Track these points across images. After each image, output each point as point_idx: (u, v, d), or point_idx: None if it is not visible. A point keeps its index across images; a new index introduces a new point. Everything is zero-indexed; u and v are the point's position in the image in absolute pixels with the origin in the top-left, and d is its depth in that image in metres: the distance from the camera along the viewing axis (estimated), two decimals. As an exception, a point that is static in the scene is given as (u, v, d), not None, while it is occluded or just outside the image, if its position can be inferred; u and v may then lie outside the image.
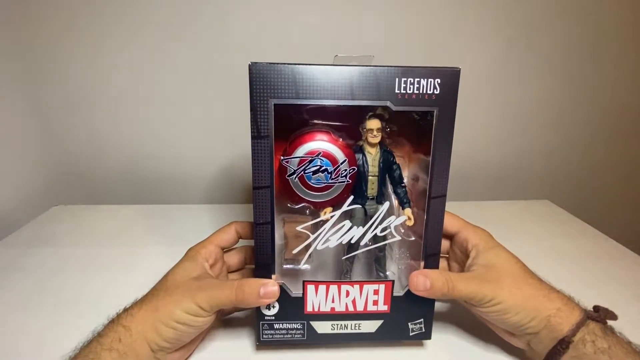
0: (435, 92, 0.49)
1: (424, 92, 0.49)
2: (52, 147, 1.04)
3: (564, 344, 0.49)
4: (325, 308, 0.56)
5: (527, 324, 0.51)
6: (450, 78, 0.49)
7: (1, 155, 0.93)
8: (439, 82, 0.49)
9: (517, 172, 1.19)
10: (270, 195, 0.51)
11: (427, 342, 0.62)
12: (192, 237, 0.57)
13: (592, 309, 0.51)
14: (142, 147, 1.06)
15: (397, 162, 0.56)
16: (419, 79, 0.48)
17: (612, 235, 0.92)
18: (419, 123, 0.53)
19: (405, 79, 0.48)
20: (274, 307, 0.55)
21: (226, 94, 1.01)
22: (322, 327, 0.57)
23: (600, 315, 0.50)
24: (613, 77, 1.10)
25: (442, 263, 0.63)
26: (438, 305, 0.58)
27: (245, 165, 1.09)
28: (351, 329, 0.57)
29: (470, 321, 0.64)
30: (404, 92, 0.49)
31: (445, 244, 0.62)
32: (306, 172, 0.53)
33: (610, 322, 0.51)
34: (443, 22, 0.99)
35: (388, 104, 0.49)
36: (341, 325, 0.57)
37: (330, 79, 0.48)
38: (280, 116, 0.49)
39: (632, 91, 1.13)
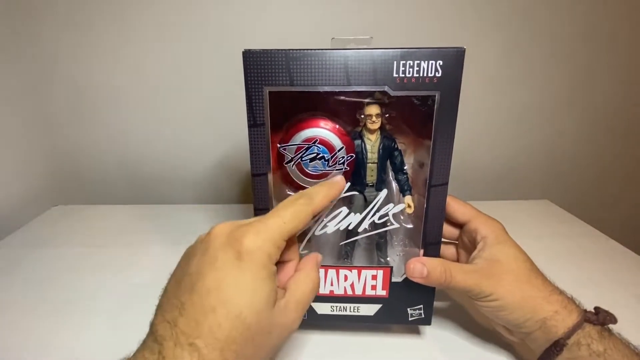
0: (436, 74, 0.45)
1: (425, 75, 0.45)
2: (52, 148, 1.01)
3: (558, 346, 0.47)
4: (324, 290, 0.54)
5: (521, 324, 0.49)
6: (453, 59, 0.45)
7: (1, 155, 0.90)
8: (441, 64, 0.45)
9: (517, 172, 1.16)
10: (268, 182, 0.50)
11: (424, 336, 0.60)
12: (191, 237, 0.54)
13: (592, 311, 0.49)
14: (141, 147, 1.03)
15: (399, 148, 0.53)
16: (419, 62, 0.45)
17: (612, 235, 0.89)
18: (420, 109, 0.49)
19: (405, 62, 0.45)
20: None
21: (227, 92, 0.98)
22: (322, 308, 0.56)
23: (598, 319, 0.48)
24: (614, 77, 1.08)
25: (451, 249, 0.60)
26: (437, 302, 0.56)
27: (246, 165, 1.05)
28: (350, 311, 0.55)
29: (470, 317, 0.63)
30: (403, 76, 0.45)
31: (454, 231, 0.59)
32: (303, 159, 0.51)
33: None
34: (441, 21, 0.96)
35: (386, 89, 0.46)
36: (340, 307, 0.55)
37: (324, 64, 0.45)
38: (279, 101, 0.47)
39: (633, 91, 1.10)
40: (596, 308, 0.49)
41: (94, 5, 0.89)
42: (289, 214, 0.42)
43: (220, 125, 1.02)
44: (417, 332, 0.61)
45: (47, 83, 0.95)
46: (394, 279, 0.53)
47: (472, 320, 0.63)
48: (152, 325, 0.37)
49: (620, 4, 1.00)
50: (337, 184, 0.49)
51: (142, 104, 0.98)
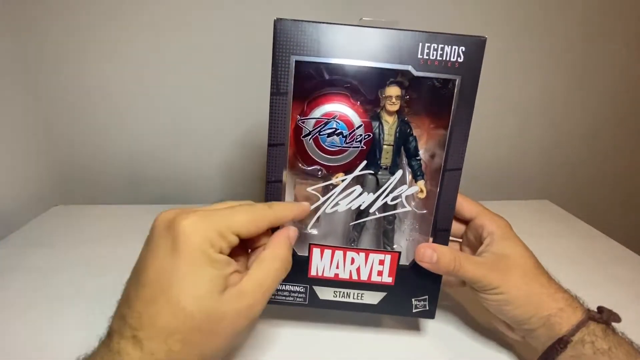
0: (459, 60, 0.46)
1: (447, 59, 0.46)
2: (52, 147, 1.00)
3: (562, 343, 0.46)
4: (329, 273, 0.52)
5: (525, 320, 0.48)
6: (475, 47, 0.46)
7: (1, 155, 0.88)
8: (464, 50, 0.46)
9: (517, 172, 1.16)
10: (284, 154, 0.49)
11: (424, 333, 0.59)
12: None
13: (595, 310, 0.49)
14: (142, 146, 1.02)
15: (414, 134, 0.53)
16: (442, 45, 0.46)
17: (612, 235, 0.89)
18: (440, 92, 0.50)
19: (429, 44, 0.46)
20: None
21: (230, 90, 0.98)
22: (325, 294, 0.53)
23: (602, 317, 0.47)
24: (614, 77, 1.09)
25: (455, 246, 0.60)
26: (441, 302, 0.55)
27: (248, 166, 1.06)
28: (353, 298, 0.53)
29: (470, 316, 0.63)
30: (427, 57, 0.46)
31: (460, 228, 0.59)
32: (321, 134, 0.50)
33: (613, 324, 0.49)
34: (439, 18, 0.97)
35: (410, 68, 0.47)
36: (344, 293, 0.53)
37: (352, 39, 0.46)
38: (300, 77, 0.48)
39: (633, 91, 1.12)
40: (600, 307, 0.49)
41: (95, 2, 0.89)
42: (243, 209, 0.42)
43: (224, 125, 1.02)
44: (416, 328, 0.60)
45: (47, 82, 0.94)
46: (401, 263, 0.52)
47: (473, 318, 0.62)
48: (111, 319, 0.38)
49: (622, 2, 1.02)
50: (302, 206, 0.48)
51: (144, 103, 0.98)
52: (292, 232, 0.47)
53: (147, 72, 0.95)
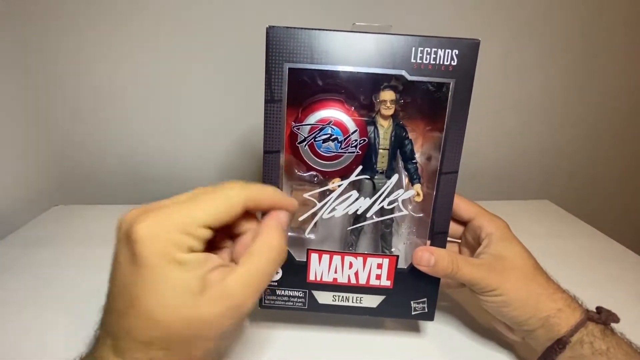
0: (452, 63, 0.46)
1: (441, 62, 0.46)
2: (52, 147, 1.00)
3: (560, 344, 0.46)
4: (328, 278, 0.53)
5: (524, 321, 0.48)
6: (468, 49, 0.46)
7: (1, 155, 0.89)
8: (457, 53, 0.46)
9: (517, 172, 1.15)
10: (280, 160, 0.49)
11: (424, 334, 0.60)
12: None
13: (594, 310, 0.49)
14: (143, 147, 1.02)
15: (410, 137, 0.53)
16: (436, 49, 0.46)
17: (612, 235, 0.89)
18: (434, 95, 0.50)
19: (422, 48, 0.46)
20: (277, 273, 0.52)
21: (229, 90, 0.98)
22: (324, 298, 0.54)
23: (601, 317, 0.47)
24: (614, 77, 1.09)
25: (454, 247, 0.60)
26: (441, 302, 0.55)
27: (248, 167, 1.06)
28: (352, 302, 0.54)
29: (469, 317, 0.63)
30: (420, 62, 0.46)
31: (458, 229, 0.59)
32: (316, 140, 0.50)
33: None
34: (439, 18, 0.97)
35: (403, 73, 0.46)
36: (343, 297, 0.54)
37: (345, 45, 0.46)
38: (294, 84, 0.48)
39: (633, 90, 1.11)
40: (598, 307, 0.49)
41: (94, 4, 0.89)
42: (208, 197, 0.37)
43: (225, 124, 1.02)
44: (416, 329, 0.60)
45: (47, 82, 0.94)
46: (399, 266, 0.52)
47: (472, 319, 0.62)
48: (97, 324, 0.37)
49: (625, 2, 1.02)
50: (289, 199, 0.42)
51: (144, 103, 0.98)
52: (282, 216, 0.41)
53: (147, 73, 0.95)
